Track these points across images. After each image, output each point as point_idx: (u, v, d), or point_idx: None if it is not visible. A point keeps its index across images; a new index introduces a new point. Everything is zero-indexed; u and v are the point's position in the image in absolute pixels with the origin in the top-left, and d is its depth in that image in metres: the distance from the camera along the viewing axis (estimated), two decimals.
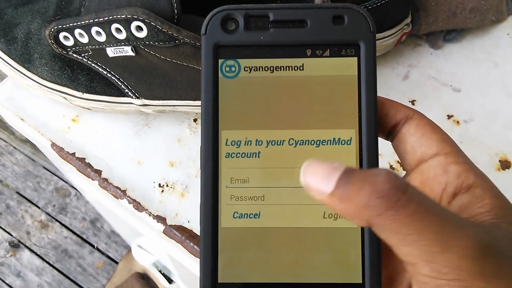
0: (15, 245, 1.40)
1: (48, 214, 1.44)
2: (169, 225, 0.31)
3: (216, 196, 0.17)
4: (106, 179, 0.33)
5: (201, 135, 0.18)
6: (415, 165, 0.17)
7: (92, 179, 0.33)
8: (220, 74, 0.18)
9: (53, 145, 0.34)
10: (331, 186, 0.14)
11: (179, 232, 0.31)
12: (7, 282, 1.35)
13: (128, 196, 0.32)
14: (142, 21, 0.27)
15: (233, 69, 0.18)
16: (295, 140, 0.18)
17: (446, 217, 0.13)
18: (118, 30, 0.28)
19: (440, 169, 0.16)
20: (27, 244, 1.40)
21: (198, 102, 0.33)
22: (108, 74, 0.32)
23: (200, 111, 0.34)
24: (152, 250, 0.57)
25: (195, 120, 0.36)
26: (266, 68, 0.18)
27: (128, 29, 0.27)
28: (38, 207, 1.45)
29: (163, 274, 0.77)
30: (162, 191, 0.33)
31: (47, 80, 0.33)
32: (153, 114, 0.35)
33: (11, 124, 0.37)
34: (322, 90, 0.18)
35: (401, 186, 0.13)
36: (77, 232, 1.41)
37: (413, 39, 0.39)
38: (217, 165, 0.17)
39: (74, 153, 0.34)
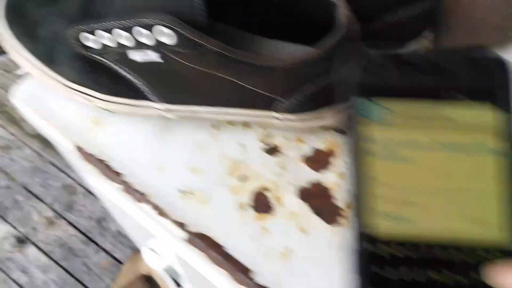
0: (22, 241, 1.41)
1: (55, 211, 1.45)
2: (190, 231, 0.31)
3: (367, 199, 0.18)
4: (127, 183, 0.33)
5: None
6: None
7: (113, 182, 0.33)
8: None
9: (75, 146, 0.34)
10: None
11: (199, 239, 0.30)
12: (12, 277, 1.35)
13: (149, 201, 0.32)
14: (171, 28, 0.26)
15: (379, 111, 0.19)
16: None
17: None
18: (142, 34, 0.28)
19: None
20: (33, 241, 1.40)
21: (221, 109, 0.33)
22: (132, 78, 0.32)
23: (219, 116, 0.34)
24: (164, 253, 0.57)
25: (214, 126, 0.36)
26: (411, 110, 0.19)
27: (153, 35, 0.27)
28: (45, 204, 1.46)
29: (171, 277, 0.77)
30: (183, 197, 0.33)
31: (71, 81, 0.33)
32: (174, 119, 0.35)
33: (32, 123, 0.37)
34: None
35: None
36: (83, 231, 1.42)
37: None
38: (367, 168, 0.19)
39: (96, 155, 0.34)
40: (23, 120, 1.59)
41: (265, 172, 0.34)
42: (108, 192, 0.40)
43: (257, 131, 0.35)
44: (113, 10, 0.31)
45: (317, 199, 0.33)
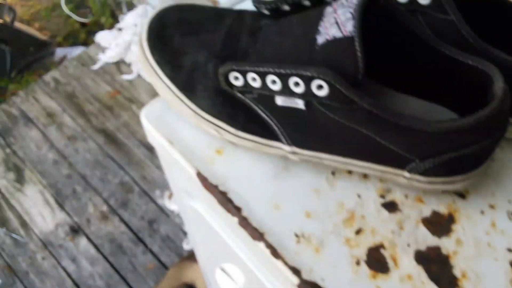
0: (75, 230, 1.46)
1: (110, 206, 1.49)
2: (304, 279, 0.31)
3: None
4: (246, 218, 0.33)
5: None
6: None
7: (232, 215, 0.34)
8: None
9: (199, 174, 0.35)
10: None
11: None
12: (62, 264, 1.40)
13: (266, 240, 0.32)
14: (328, 82, 0.27)
15: None
16: None
17: None
18: (297, 84, 0.28)
19: None
20: (86, 232, 1.45)
21: (349, 160, 0.32)
22: (267, 118, 0.32)
23: (344, 166, 0.34)
24: (237, 279, 0.57)
25: (333, 173, 0.36)
26: None
27: (308, 86, 0.28)
28: (102, 198, 1.51)
29: None
30: (298, 241, 0.33)
31: (205, 112, 0.34)
32: (296, 160, 0.35)
33: (157, 144, 0.38)
34: None
35: None
36: (134, 230, 1.45)
37: None
38: None
39: (218, 185, 0.34)
40: (92, 114, 1.66)
41: (382, 228, 0.33)
42: (212, 220, 0.41)
43: (375, 184, 0.35)
44: (260, 52, 0.31)
45: (434, 264, 0.32)
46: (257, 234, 0.33)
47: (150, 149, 1.58)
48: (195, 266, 1.29)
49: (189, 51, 0.34)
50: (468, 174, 0.31)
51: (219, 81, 0.32)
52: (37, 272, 1.39)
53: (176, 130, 0.37)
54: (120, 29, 1.72)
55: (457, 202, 0.34)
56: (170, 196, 1.49)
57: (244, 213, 0.34)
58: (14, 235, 1.45)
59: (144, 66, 0.35)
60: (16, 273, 1.39)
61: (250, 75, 0.30)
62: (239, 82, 0.31)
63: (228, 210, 0.34)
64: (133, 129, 1.62)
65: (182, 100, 0.34)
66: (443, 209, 0.34)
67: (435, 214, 0.34)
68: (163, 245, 1.42)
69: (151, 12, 0.34)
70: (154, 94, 1.71)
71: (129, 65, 1.73)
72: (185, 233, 1.43)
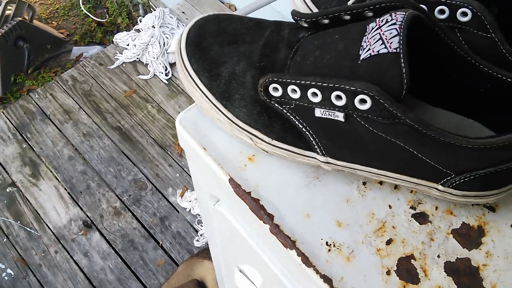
0: (88, 225, 1.48)
1: (122, 202, 1.51)
2: None
3: None
4: (277, 226, 0.34)
5: None
6: None
7: (264, 223, 0.34)
8: None
9: (231, 180, 0.36)
10: None
11: None
12: (74, 258, 1.42)
13: (298, 248, 0.33)
14: (371, 96, 0.27)
15: None
16: None
17: None
18: (338, 97, 0.29)
19: None
20: (99, 227, 1.47)
21: (383, 172, 0.33)
22: (303, 129, 0.33)
23: (377, 177, 0.34)
24: (254, 279, 0.58)
25: (364, 183, 0.36)
26: None
27: (350, 99, 0.28)
28: (115, 194, 1.52)
29: None
30: (329, 250, 0.33)
31: (241, 121, 0.35)
32: (328, 170, 0.35)
33: (189, 149, 0.39)
34: None
35: None
36: (145, 226, 1.47)
37: None
38: None
39: (250, 192, 0.35)
40: (108, 112, 1.68)
41: (412, 239, 0.34)
42: (238, 225, 0.41)
43: (406, 195, 0.36)
44: (299, 64, 0.32)
45: (464, 277, 0.32)
46: (289, 242, 0.33)
47: (163, 147, 1.59)
48: (205, 263, 1.30)
49: (227, 61, 0.35)
50: (501, 189, 0.31)
51: (256, 91, 0.33)
52: (49, 265, 1.41)
53: (209, 137, 0.38)
54: (138, 31, 1.74)
55: (487, 215, 0.35)
56: (182, 194, 1.50)
57: (276, 220, 0.34)
58: (28, 229, 1.47)
59: (182, 75, 0.36)
60: (29, 266, 1.41)
61: (291, 87, 0.30)
62: (277, 93, 0.32)
63: (260, 217, 0.35)
64: (148, 127, 1.63)
65: (218, 109, 0.35)
66: (473, 222, 0.34)
67: (465, 226, 0.34)
68: (174, 241, 1.43)
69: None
70: (168, 94, 1.73)
71: (145, 65, 1.75)
72: (196, 230, 1.45)
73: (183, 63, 0.35)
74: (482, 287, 0.32)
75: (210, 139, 0.38)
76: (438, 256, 0.33)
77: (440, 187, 0.32)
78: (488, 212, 0.35)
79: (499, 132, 0.33)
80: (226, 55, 0.35)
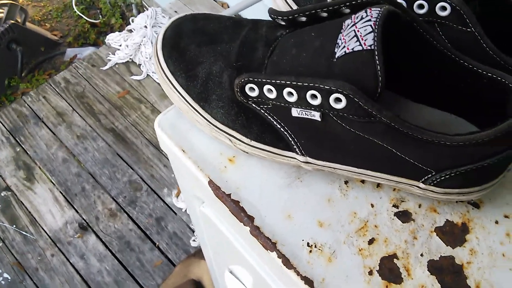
0: (84, 228, 1.47)
1: (118, 204, 1.50)
2: None
3: None
4: (258, 227, 0.33)
5: None
6: None
7: (244, 225, 0.34)
8: None
9: (211, 182, 0.35)
10: None
11: None
12: (71, 261, 1.42)
13: (278, 250, 0.33)
14: (346, 95, 0.27)
15: None
16: None
17: None
18: (313, 96, 0.28)
19: None
20: (94, 229, 1.46)
21: (364, 171, 0.32)
22: (281, 129, 0.32)
23: (357, 176, 0.34)
24: (245, 280, 0.57)
25: (346, 182, 0.36)
26: None
27: (325, 98, 0.28)
28: (110, 196, 1.52)
29: None
30: (310, 251, 0.33)
31: (219, 122, 0.34)
32: (309, 170, 0.35)
33: (169, 151, 0.38)
34: None
35: None
36: (142, 227, 1.46)
37: None
38: None
39: (230, 194, 0.35)
40: (101, 113, 1.67)
41: (395, 238, 0.33)
42: (223, 227, 0.41)
43: (389, 193, 0.35)
44: (276, 63, 0.31)
45: (448, 275, 0.32)
46: (269, 244, 0.33)
47: (158, 148, 1.58)
48: (202, 263, 1.30)
49: (204, 61, 0.34)
50: (484, 185, 0.31)
51: (233, 92, 0.33)
52: (46, 268, 1.41)
53: (189, 139, 0.37)
54: (130, 31, 1.73)
55: (471, 212, 0.34)
56: (178, 195, 1.50)
57: (256, 222, 0.34)
58: (23, 232, 1.46)
59: (159, 76, 0.36)
60: (25, 270, 1.40)
61: (266, 87, 0.30)
62: (254, 93, 0.31)
63: (240, 220, 0.34)
64: (142, 128, 1.63)
65: (196, 110, 0.34)
66: (457, 219, 0.34)
67: (449, 223, 0.34)
68: (170, 242, 1.43)
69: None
70: (162, 94, 1.72)
71: (138, 65, 1.74)
72: (192, 231, 1.44)
73: (160, 64, 0.35)
74: (466, 285, 0.31)
75: (190, 141, 0.37)
76: (422, 255, 0.33)
77: (421, 185, 0.32)
78: (473, 208, 0.34)
79: (483, 127, 0.33)
80: (203, 55, 0.34)
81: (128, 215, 1.49)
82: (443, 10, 0.32)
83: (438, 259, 0.32)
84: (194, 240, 1.42)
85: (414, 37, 0.30)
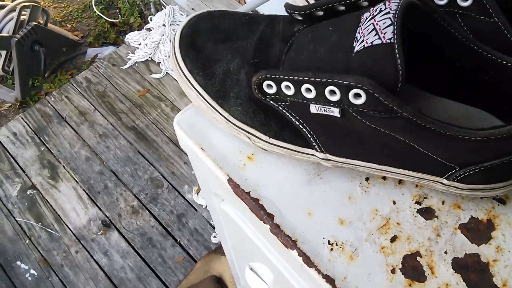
0: (107, 225, 1.50)
1: (140, 201, 1.52)
2: None
3: None
4: (278, 225, 0.33)
5: None
6: None
7: (264, 223, 0.34)
8: None
9: (230, 180, 0.35)
10: None
11: None
12: (94, 258, 1.44)
13: (299, 248, 0.32)
14: (365, 90, 0.26)
15: None
16: None
17: None
18: (332, 92, 0.28)
19: None
20: (117, 226, 1.49)
21: (385, 167, 0.32)
22: (300, 126, 0.32)
23: (378, 172, 0.33)
24: (265, 277, 0.57)
25: (367, 179, 0.35)
26: None
27: (344, 94, 0.27)
28: (132, 193, 1.54)
29: None
30: (331, 249, 0.32)
31: (238, 119, 0.34)
32: (329, 167, 0.34)
33: (189, 150, 0.39)
34: None
35: None
36: (163, 224, 1.48)
37: None
38: None
39: (249, 192, 0.34)
40: (122, 112, 1.69)
41: (418, 235, 0.33)
42: (243, 224, 0.41)
43: (411, 190, 0.34)
44: (293, 59, 0.31)
45: (473, 273, 0.31)
46: (289, 242, 0.33)
47: (178, 145, 1.59)
48: (223, 259, 1.31)
49: (221, 58, 0.34)
50: (510, 181, 0.30)
51: (251, 89, 0.32)
52: (71, 265, 1.44)
53: (207, 137, 0.37)
54: (149, 29, 1.75)
55: (496, 208, 0.33)
56: (198, 191, 1.51)
57: (276, 220, 0.33)
58: (49, 230, 1.49)
59: (176, 75, 0.36)
60: (51, 266, 1.44)
61: (284, 84, 0.29)
62: (272, 90, 0.31)
63: (260, 217, 0.34)
64: (162, 126, 1.64)
65: (214, 108, 0.34)
66: (482, 216, 0.33)
67: (474, 220, 0.33)
68: (192, 238, 1.44)
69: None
70: (181, 92, 1.73)
71: (158, 64, 1.75)
72: (213, 227, 1.45)
73: (178, 63, 0.35)
74: (493, 283, 0.31)
75: (209, 139, 0.37)
76: (445, 253, 0.32)
77: (445, 181, 0.31)
78: (498, 205, 0.33)
79: (508, 121, 0.32)
80: (220, 53, 0.34)
81: (150, 212, 1.51)
82: (465, 1, 0.31)
83: (462, 256, 0.32)
84: (214, 237, 1.43)
85: (435, 29, 0.29)
